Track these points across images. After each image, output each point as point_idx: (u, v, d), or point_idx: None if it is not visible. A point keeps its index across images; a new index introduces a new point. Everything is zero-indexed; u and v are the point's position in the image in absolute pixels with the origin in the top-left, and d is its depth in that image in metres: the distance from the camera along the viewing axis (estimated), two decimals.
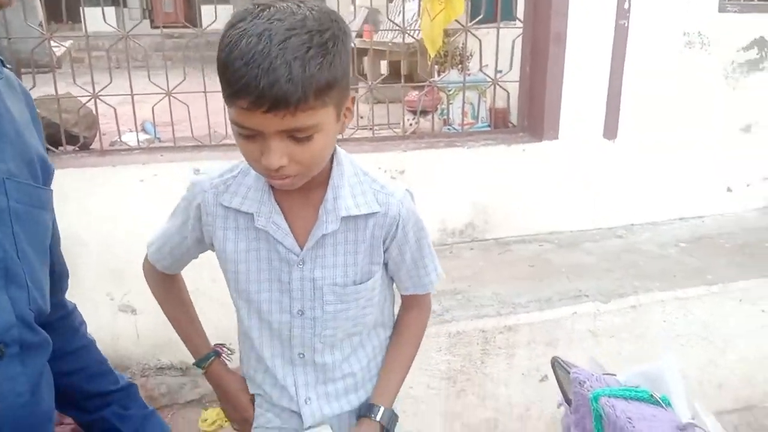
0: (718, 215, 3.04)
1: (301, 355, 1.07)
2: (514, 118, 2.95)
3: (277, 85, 0.75)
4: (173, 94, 2.36)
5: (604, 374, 0.53)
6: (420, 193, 2.66)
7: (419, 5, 2.80)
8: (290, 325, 1.04)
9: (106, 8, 2.34)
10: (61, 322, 0.92)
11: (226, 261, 1.02)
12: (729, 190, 3.06)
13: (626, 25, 2.68)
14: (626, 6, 2.66)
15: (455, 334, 1.96)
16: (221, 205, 1.00)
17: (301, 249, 0.99)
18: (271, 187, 0.97)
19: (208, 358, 1.18)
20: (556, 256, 2.53)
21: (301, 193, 0.96)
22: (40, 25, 2.48)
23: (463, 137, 2.76)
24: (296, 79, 0.76)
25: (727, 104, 2.93)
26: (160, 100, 2.33)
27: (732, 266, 2.42)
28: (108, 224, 2.25)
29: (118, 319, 2.32)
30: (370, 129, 2.82)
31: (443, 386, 2.00)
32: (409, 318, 1.17)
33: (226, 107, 0.82)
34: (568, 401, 0.59)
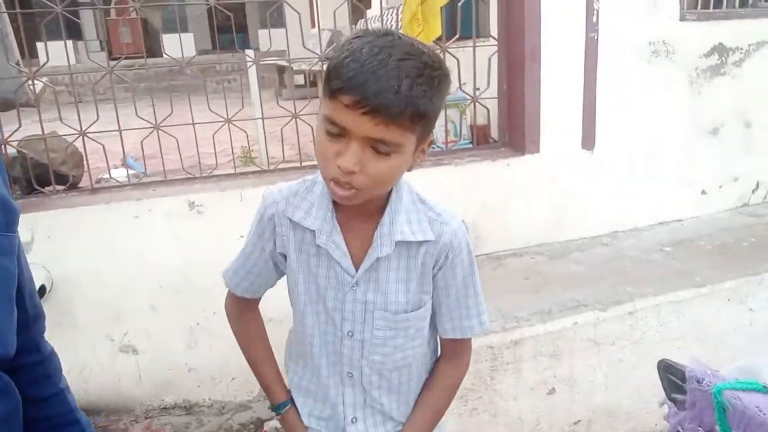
0: (696, 218, 3.16)
1: (350, 375, 1.09)
2: (495, 133, 3.02)
3: (384, 93, 0.81)
4: (162, 128, 2.35)
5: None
6: None
7: (383, 26, 2.85)
8: (341, 344, 1.07)
9: (61, 42, 2.32)
10: (34, 368, 0.91)
11: (290, 272, 1.06)
12: (703, 192, 3.19)
13: (596, 37, 2.78)
14: (594, 19, 2.76)
15: None
16: (288, 219, 1.03)
17: (356, 271, 1.02)
18: (334, 206, 1.00)
19: (285, 404, 1.19)
20: (548, 267, 2.59)
21: (361, 216, 1.00)
22: (18, 63, 2.45)
23: (448, 155, 2.81)
24: (402, 95, 0.81)
25: (693, 109, 3.07)
26: (149, 134, 2.32)
27: (715, 267, 2.51)
28: (103, 264, 2.21)
29: (119, 360, 2.27)
30: None
31: (455, 405, 2.02)
32: (446, 368, 1.15)
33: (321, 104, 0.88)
34: (672, 400, 0.62)
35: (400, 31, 0.93)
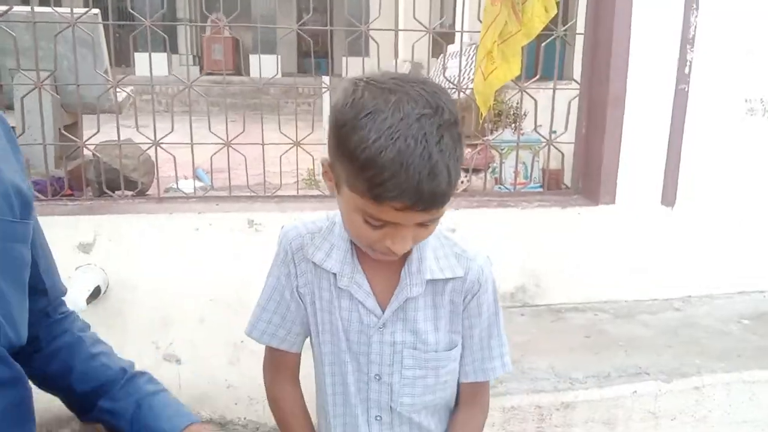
0: None
1: (378, 418, 1.04)
2: (568, 180, 2.89)
3: (439, 189, 0.77)
4: (232, 145, 2.38)
5: None
6: None
7: (460, 65, 2.81)
8: (367, 388, 1.01)
9: (159, 54, 2.40)
10: (56, 342, 0.91)
11: (309, 315, 1.02)
12: None
13: (686, 89, 2.63)
14: (686, 71, 2.61)
15: (509, 409, 1.86)
16: (307, 258, 0.99)
17: (383, 312, 0.97)
18: (354, 246, 0.97)
19: None
20: (611, 326, 2.42)
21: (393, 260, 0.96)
22: (106, 71, 2.56)
23: (515, 197, 2.71)
24: (453, 180, 0.79)
25: None
26: (219, 150, 2.36)
27: None
28: (160, 271, 2.25)
29: (162, 367, 2.29)
30: None
31: None
32: (465, 417, 1.08)
33: (343, 188, 0.83)
34: None
35: (403, 73, 0.85)
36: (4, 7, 2.33)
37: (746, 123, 2.72)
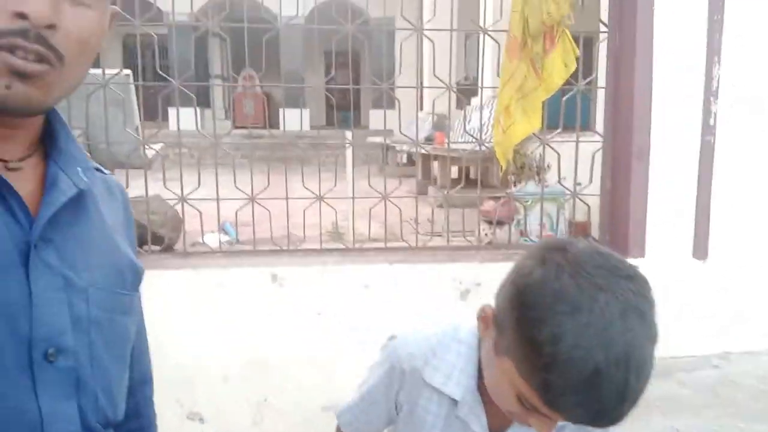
0: None
1: None
2: (595, 232, 2.85)
3: (621, 415, 0.69)
4: (257, 200, 2.42)
5: None
6: None
7: (481, 118, 2.84)
8: None
9: (188, 109, 2.49)
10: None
11: (413, 428, 0.97)
12: None
13: (712, 141, 2.60)
14: (711, 122, 2.59)
15: None
16: (424, 381, 0.94)
17: None
18: (478, 375, 0.91)
19: None
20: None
21: None
22: (137, 129, 2.65)
23: None
24: (638, 400, 0.70)
25: None
26: (244, 205, 2.40)
27: None
28: (185, 328, 2.26)
29: (185, 426, 2.27)
30: (444, 235, 2.78)
31: None
32: None
33: (506, 360, 0.76)
34: None
35: (612, 258, 0.74)
36: None
37: None
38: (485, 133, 2.76)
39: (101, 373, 0.69)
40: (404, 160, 9.28)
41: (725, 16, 2.56)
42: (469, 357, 0.92)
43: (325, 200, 2.48)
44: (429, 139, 5.98)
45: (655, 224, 2.56)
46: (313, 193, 2.46)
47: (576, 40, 2.57)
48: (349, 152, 3.25)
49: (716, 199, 2.59)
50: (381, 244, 2.62)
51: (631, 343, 0.67)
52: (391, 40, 8.43)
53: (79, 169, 0.70)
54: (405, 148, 4.81)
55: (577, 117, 2.68)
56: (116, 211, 0.80)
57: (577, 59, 2.54)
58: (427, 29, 2.65)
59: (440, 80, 2.62)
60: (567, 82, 2.57)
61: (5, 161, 0.65)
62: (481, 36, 2.84)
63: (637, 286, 0.71)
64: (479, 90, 4.75)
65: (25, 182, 0.66)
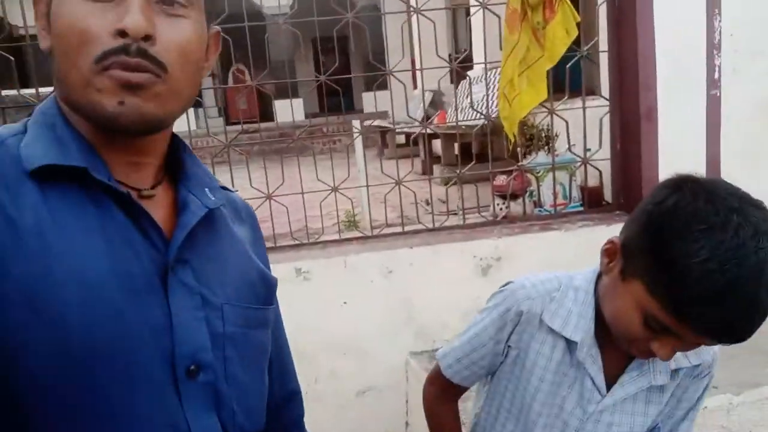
0: None
1: None
2: (608, 196, 2.87)
3: (750, 331, 0.75)
4: (273, 197, 2.44)
5: None
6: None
7: (486, 87, 2.84)
8: None
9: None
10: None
11: (521, 374, 0.99)
12: None
13: (718, 94, 2.61)
14: (716, 76, 2.60)
15: None
16: (541, 321, 0.96)
17: (606, 393, 0.95)
18: (597, 318, 0.94)
19: None
20: None
21: None
22: None
23: (557, 219, 2.69)
24: (763, 320, 0.75)
25: None
26: (261, 203, 2.42)
27: None
28: None
29: None
30: (460, 215, 2.81)
31: None
32: None
33: (635, 283, 0.81)
34: None
35: (739, 190, 0.80)
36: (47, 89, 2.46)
37: None
38: (491, 106, 2.76)
39: (236, 387, 0.70)
40: (402, 141, 9.27)
41: None
42: (586, 302, 0.94)
43: (339, 191, 2.50)
44: (428, 118, 5.98)
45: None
46: (327, 185, 2.48)
47: (575, 4, 2.57)
48: (358, 141, 3.26)
49: (726, 153, 2.61)
50: (398, 229, 2.64)
51: (763, 260, 0.71)
52: (377, 21, 8.34)
53: (206, 189, 0.73)
54: (406, 129, 4.81)
55: (582, 82, 2.68)
56: (244, 227, 0.81)
57: (578, 25, 2.53)
58: (423, 9, 2.64)
59: (443, 59, 2.62)
60: (569, 48, 2.57)
61: (138, 190, 0.68)
62: (472, 10, 2.83)
63: (765, 214, 0.75)
64: (474, 64, 4.72)
65: (157, 208, 0.69)
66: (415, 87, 9.21)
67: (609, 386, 0.95)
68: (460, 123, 2.75)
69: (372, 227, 2.66)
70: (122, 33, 0.61)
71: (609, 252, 0.89)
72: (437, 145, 5.89)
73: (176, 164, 0.74)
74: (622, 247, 0.86)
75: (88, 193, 0.63)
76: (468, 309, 2.56)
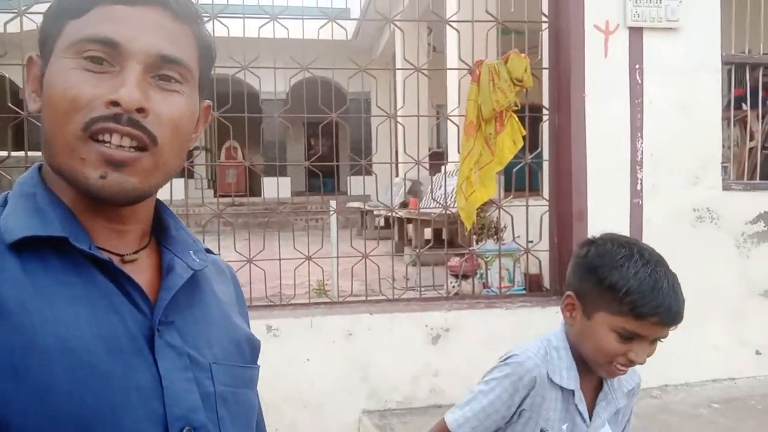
0: (751, 378, 3.17)
1: None
2: (547, 282, 3.28)
3: (681, 308, 1.10)
4: (253, 261, 2.81)
5: None
6: (463, 349, 2.95)
7: (444, 185, 3.30)
8: None
9: (177, 179, 2.88)
10: None
11: (535, 428, 1.19)
12: (758, 353, 3.22)
13: (640, 203, 3.09)
14: (638, 188, 3.09)
15: None
16: (550, 380, 1.17)
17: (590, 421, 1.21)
18: (578, 371, 1.19)
19: None
20: None
21: (588, 375, 1.20)
22: None
23: (501, 299, 3.08)
24: (684, 304, 1.11)
25: (742, 272, 3.21)
26: (242, 266, 2.78)
27: (763, 427, 2.54)
28: None
29: None
30: (417, 290, 3.19)
31: None
32: None
33: (600, 314, 1.11)
34: None
35: (625, 237, 1.20)
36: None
37: (696, 229, 3.15)
38: (449, 199, 3.22)
39: None
40: (382, 223, 9.74)
41: (644, 99, 3.11)
42: (567, 357, 1.19)
43: (313, 260, 2.88)
44: (404, 204, 6.45)
45: None
46: (302, 254, 2.86)
47: (522, 120, 3.09)
48: (333, 218, 3.69)
49: None
50: (362, 298, 3.01)
51: (666, 268, 1.11)
52: (368, 113, 9.02)
53: (191, 252, 0.74)
54: (382, 212, 5.26)
55: (527, 185, 3.16)
56: (228, 289, 0.83)
57: (524, 137, 3.05)
58: (400, 115, 3.14)
59: (410, 156, 3.10)
60: (517, 156, 3.07)
61: (121, 255, 0.69)
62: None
63: (646, 246, 1.15)
64: (446, 161, 5.28)
65: (142, 272, 0.70)
66: (397, 175, 9.80)
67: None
68: (425, 211, 3.19)
69: (339, 295, 3.02)
70: (115, 103, 0.63)
71: (569, 305, 1.18)
72: (411, 229, 6.34)
73: (160, 227, 0.75)
74: (576, 296, 1.17)
75: (70, 261, 0.63)
76: (417, 373, 2.88)
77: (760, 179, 3.48)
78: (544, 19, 3.17)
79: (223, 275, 0.84)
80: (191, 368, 0.67)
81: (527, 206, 3.11)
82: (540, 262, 3.17)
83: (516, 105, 3.05)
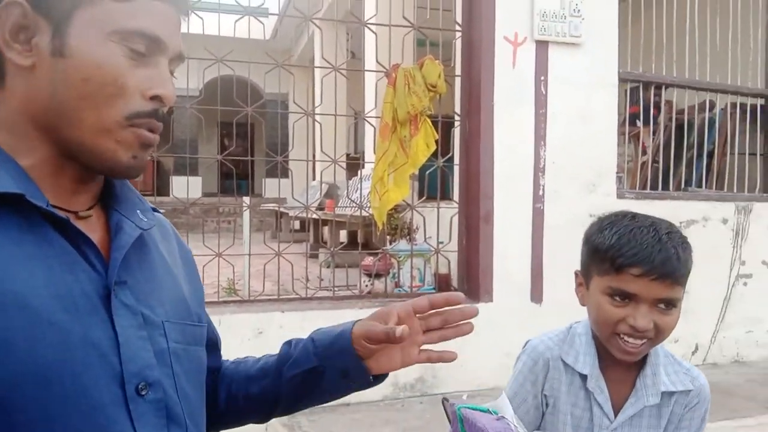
0: None
1: None
2: (456, 282, 3.39)
3: (669, 261, 0.99)
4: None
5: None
6: None
7: (360, 189, 3.36)
8: None
9: None
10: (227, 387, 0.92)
11: (553, 413, 1.13)
12: None
13: (542, 208, 3.27)
14: (540, 193, 3.26)
15: None
16: (562, 361, 1.12)
17: (615, 416, 1.11)
18: (598, 355, 1.12)
19: None
20: None
21: (620, 367, 1.11)
22: None
23: (412, 298, 3.15)
24: (681, 259, 1.00)
25: None
26: None
27: None
28: None
29: None
30: (331, 290, 3.20)
31: None
32: None
33: (593, 280, 1.05)
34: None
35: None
36: None
37: None
38: (365, 201, 3.27)
39: (186, 402, 0.72)
40: (297, 226, 9.66)
41: (548, 109, 3.30)
42: (588, 343, 1.12)
43: (223, 257, 2.83)
44: (320, 206, 6.44)
45: (500, 275, 3.14)
46: (212, 250, 2.80)
47: (436, 125, 3.19)
48: (245, 215, 3.63)
49: (546, 254, 3.23)
50: (274, 297, 2.99)
51: (657, 225, 1.03)
52: (285, 115, 8.94)
53: (138, 211, 0.75)
54: (298, 213, 5.24)
55: (438, 188, 3.26)
56: (171, 245, 0.84)
57: (437, 141, 3.15)
58: (318, 113, 3.15)
59: (327, 155, 3.11)
60: (430, 159, 3.16)
61: (75, 212, 0.69)
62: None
63: (652, 217, 1.07)
64: (362, 164, 5.34)
65: (93, 231, 0.70)
66: (314, 178, 9.76)
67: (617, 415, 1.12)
68: (341, 212, 3.21)
69: (250, 295, 2.98)
70: (157, 98, 0.68)
71: (578, 285, 1.14)
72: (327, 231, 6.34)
73: (107, 188, 0.75)
74: (581, 272, 1.13)
75: (24, 219, 0.63)
76: None
77: (651, 190, 3.77)
78: (457, 28, 3.29)
79: (166, 233, 0.84)
80: (145, 326, 0.68)
81: (438, 208, 3.20)
82: (449, 262, 3.27)
83: (430, 110, 3.14)
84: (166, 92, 0.67)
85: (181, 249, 0.85)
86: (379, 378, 0.85)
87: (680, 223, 3.63)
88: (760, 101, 3.92)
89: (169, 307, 0.73)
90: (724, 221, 3.62)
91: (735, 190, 3.85)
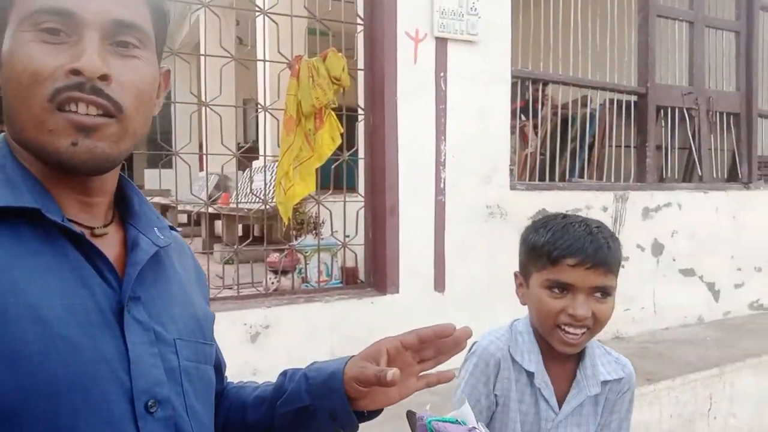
0: None
1: None
2: (362, 275, 3.42)
3: (600, 250, 1.08)
4: None
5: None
6: (285, 345, 2.98)
7: (265, 179, 3.28)
8: None
9: None
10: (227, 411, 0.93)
11: (508, 411, 1.17)
12: None
13: (443, 200, 3.37)
14: (441, 186, 3.37)
15: None
16: (512, 359, 1.17)
17: (559, 409, 1.18)
18: (541, 351, 1.18)
19: None
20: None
21: (558, 361, 1.18)
22: None
23: (320, 293, 3.14)
24: (612, 249, 1.10)
25: None
26: None
27: None
28: None
29: None
30: (235, 288, 3.10)
31: None
32: None
33: (532, 277, 1.13)
34: None
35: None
36: None
37: (489, 222, 3.53)
38: (268, 194, 3.19)
39: (196, 420, 0.72)
40: (184, 220, 9.22)
41: (448, 104, 3.39)
42: (531, 341, 1.19)
43: None
44: (213, 199, 6.20)
45: (406, 266, 3.21)
46: None
47: (341, 118, 3.18)
48: None
49: (448, 245, 3.34)
50: None
51: (587, 222, 1.14)
52: (166, 105, 8.47)
53: (155, 228, 0.75)
54: (189, 208, 5.00)
55: (344, 181, 3.26)
56: (188, 265, 0.84)
57: (342, 135, 3.14)
58: (212, 104, 3.02)
59: (228, 148, 3.00)
60: (336, 153, 3.15)
61: (91, 228, 0.70)
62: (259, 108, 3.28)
63: (582, 217, 1.17)
64: (259, 155, 5.20)
65: (109, 247, 0.70)
66: (201, 169, 9.36)
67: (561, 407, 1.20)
68: (242, 206, 3.11)
69: None
70: (76, 72, 0.63)
71: (518, 285, 1.22)
72: (219, 226, 6.12)
73: (124, 202, 0.76)
74: (520, 271, 1.21)
75: (41, 233, 0.63)
76: (236, 374, 2.79)
77: (539, 181, 4.01)
78: (359, 21, 3.29)
79: (183, 252, 0.85)
80: (156, 343, 0.68)
81: (344, 202, 3.21)
82: (356, 255, 3.29)
83: (334, 103, 3.12)
84: (84, 63, 0.63)
85: (196, 269, 0.87)
86: (374, 413, 0.87)
87: (566, 211, 3.89)
88: (633, 98, 4.29)
89: (181, 324, 0.74)
90: (605, 209, 3.94)
91: (612, 180, 4.20)
